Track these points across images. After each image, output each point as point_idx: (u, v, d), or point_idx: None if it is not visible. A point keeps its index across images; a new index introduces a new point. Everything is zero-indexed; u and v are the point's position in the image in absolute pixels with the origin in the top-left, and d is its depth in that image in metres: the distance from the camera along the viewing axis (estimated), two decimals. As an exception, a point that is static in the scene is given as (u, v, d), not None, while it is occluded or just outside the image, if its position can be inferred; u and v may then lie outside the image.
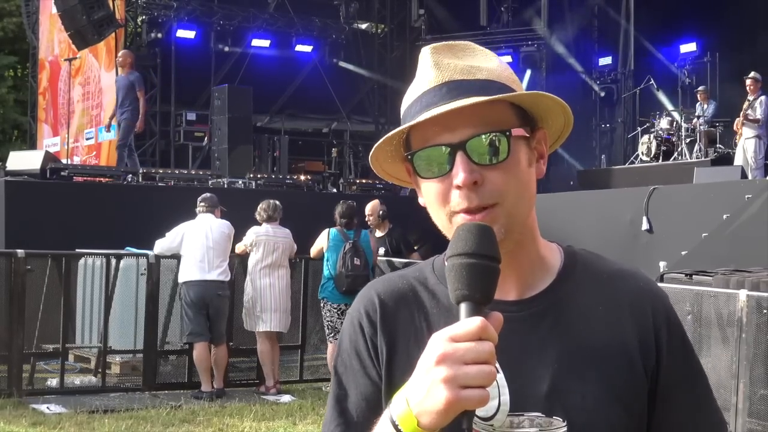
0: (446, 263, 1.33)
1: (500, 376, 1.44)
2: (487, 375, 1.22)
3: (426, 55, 1.50)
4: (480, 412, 1.41)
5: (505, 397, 1.45)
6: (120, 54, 15.61)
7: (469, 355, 1.22)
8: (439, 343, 1.24)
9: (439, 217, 1.48)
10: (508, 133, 1.44)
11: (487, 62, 1.50)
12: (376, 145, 1.52)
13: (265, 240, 10.00)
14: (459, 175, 1.42)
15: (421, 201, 1.53)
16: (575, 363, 1.48)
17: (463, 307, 1.28)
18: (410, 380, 1.28)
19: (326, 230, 10.15)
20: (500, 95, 1.44)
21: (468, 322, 1.24)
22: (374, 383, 1.53)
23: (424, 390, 1.24)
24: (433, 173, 1.46)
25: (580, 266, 1.57)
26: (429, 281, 1.57)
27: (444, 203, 1.46)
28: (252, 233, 10.03)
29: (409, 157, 1.48)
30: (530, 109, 1.50)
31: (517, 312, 1.50)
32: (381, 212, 11.24)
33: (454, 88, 1.45)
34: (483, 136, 1.43)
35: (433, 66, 1.48)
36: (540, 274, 1.54)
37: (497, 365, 1.25)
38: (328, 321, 9.98)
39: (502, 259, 1.34)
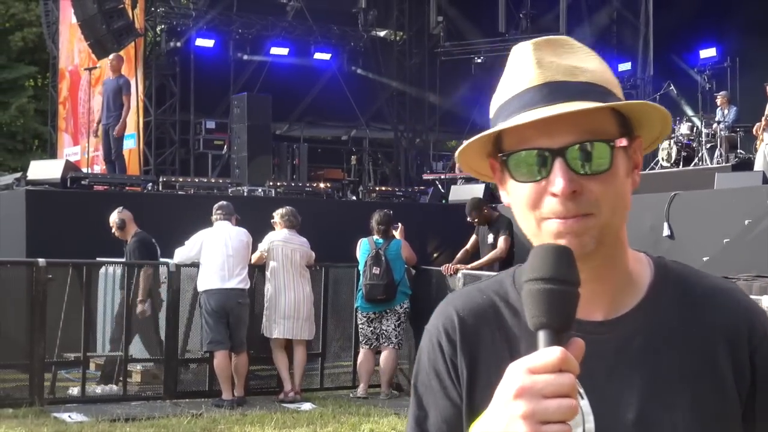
0: (523, 287, 1.26)
1: (584, 402, 1.37)
2: (567, 409, 1.15)
3: (527, 51, 1.42)
4: None
5: (590, 424, 1.37)
6: (111, 57, 15.40)
7: (548, 388, 1.15)
8: (516, 374, 1.17)
9: (527, 221, 1.41)
10: (612, 144, 1.37)
11: (588, 62, 1.42)
12: (467, 141, 1.45)
13: (282, 245, 10.01)
14: (557, 184, 1.34)
15: (505, 200, 1.46)
16: (665, 389, 1.39)
17: (542, 336, 1.21)
18: (487, 411, 1.22)
19: (360, 240, 10.36)
20: (609, 103, 1.36)
21: (547, 353, 1.17)
22: (455, 404, 1.47)
23: (503, 425, 1.18)
24: (528, 177, 1.38)
25: (672, 282, 1.47)
26: (510, 296, 1.49)
27: (535, 208, 1.38)
28: (267, 240, 10.04)
29: (504, 157, 1.41)
30: (632, 117, 1.42)
31: (603, 334, 1.41)
32: (121, 221, 10.15)
33: (556, 89, 1.37)
34: (584, 145, 1.35)
35: (535, 64, 1.40)
36: (628, 290, 1.45)
37: (581, 390, 1.18)
38: (359, 328, 10.32)
39: (590, 275, 1.27)
